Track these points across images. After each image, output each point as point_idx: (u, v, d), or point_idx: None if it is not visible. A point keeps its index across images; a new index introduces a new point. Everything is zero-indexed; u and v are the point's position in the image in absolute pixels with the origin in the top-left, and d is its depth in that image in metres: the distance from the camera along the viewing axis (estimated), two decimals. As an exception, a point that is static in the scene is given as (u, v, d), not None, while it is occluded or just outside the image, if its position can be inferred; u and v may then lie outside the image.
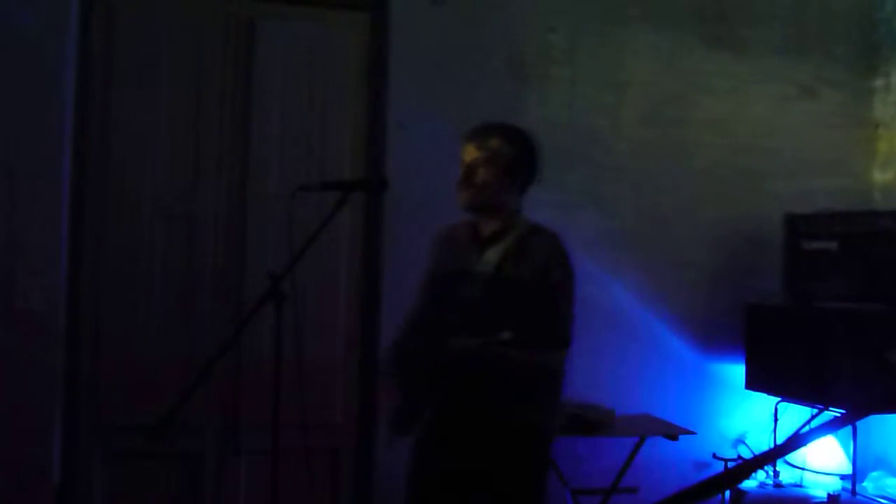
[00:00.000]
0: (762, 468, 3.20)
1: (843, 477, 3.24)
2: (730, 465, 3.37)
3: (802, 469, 3.31)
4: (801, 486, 3.28)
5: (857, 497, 3.13)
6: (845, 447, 3.25)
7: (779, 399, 3.35)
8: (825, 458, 3.28)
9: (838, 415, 1.08)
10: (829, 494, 3.07)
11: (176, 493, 3.10)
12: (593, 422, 3.07)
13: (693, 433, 3.17)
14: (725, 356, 3.51)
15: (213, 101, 3.16)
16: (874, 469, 3.38)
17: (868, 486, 3.26)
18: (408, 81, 3.22)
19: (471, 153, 2.30)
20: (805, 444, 1.15)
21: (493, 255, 2.27)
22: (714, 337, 3.51)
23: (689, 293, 3.49)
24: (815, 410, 3.15)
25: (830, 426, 1.35)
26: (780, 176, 3.61)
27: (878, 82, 3.75)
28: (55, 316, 2.92)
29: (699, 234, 3.52)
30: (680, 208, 3.52)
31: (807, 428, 1.13)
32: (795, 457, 3.34)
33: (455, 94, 3.20)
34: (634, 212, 3.47)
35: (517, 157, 2.32)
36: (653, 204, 3.49)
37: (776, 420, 3.37)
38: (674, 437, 3.14)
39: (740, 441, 3.55)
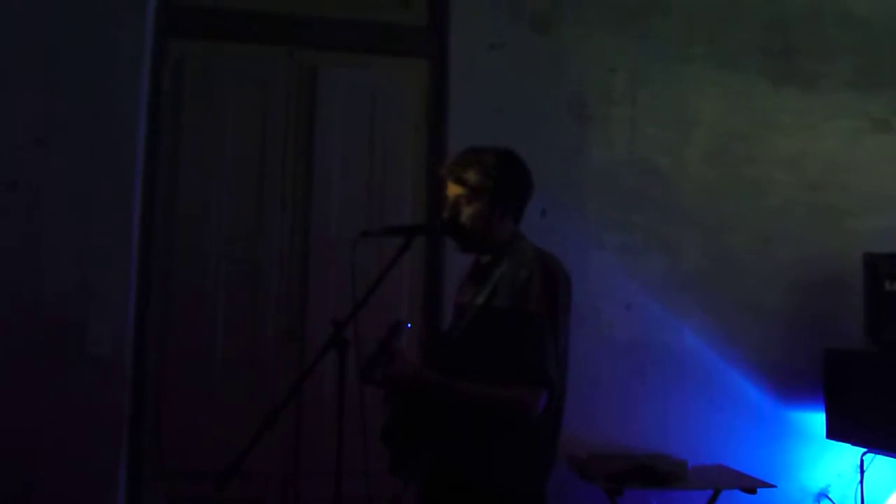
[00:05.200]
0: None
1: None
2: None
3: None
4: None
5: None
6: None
7: (864, 450, 3.16)
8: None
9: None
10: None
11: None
12: (663, 473, 2.95)
13: (772, 486, 3.02)
14: (805, 404, 3.35)
15: (276, 147, 3.23)
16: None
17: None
18: (469, 126, 3.22)
19: (451, 190, 2.14)
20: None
21: (485, 287, 2.10)
22: (792, 384, 3.36)
23: (763, 337, 3.36)
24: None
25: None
26: (856, 213, 3.49)
27: (957, 114, 3.61)
28: (122, 360, 2.96)
29: (772, 276, 3.40)
30: (751, 248, 3.42)
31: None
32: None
33: (517, 137, 3.13)
34: (702, 253, 3.38)
35: (499, 186, 2.11)
36: (721, 245, 3.40)
37: (862, 472, 3.17)
38: (752, 491, 2.99)
39: (823, 495, 3.35)
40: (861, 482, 3.16)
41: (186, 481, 3.00)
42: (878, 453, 3.13)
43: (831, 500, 3.32)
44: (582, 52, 3.37)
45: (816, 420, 3.28)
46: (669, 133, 3.41)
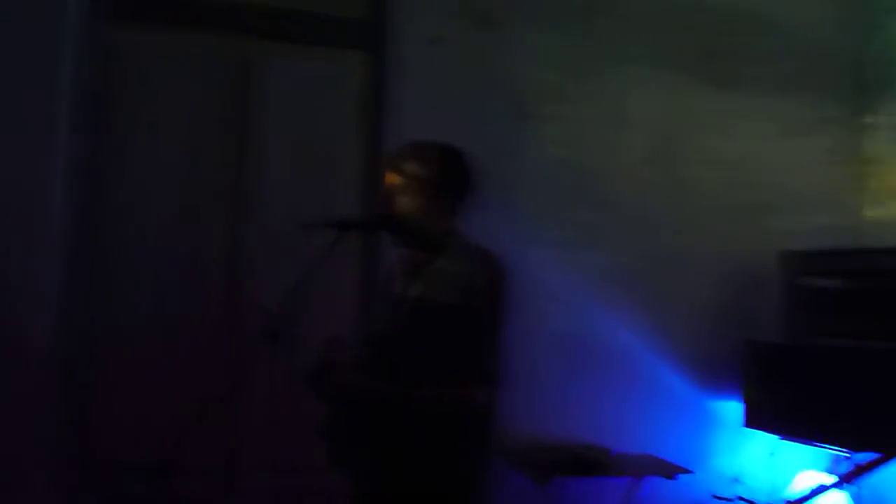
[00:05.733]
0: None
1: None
2: (727, 504, 3.35)
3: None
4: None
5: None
6: (849, 491, 3.21)
7: (778, 437, 3.33)
8: (827, 501, 3.25)
9: (865, 460, 1.06)
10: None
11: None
12: (590, 462, 3.05)
13: (690, 472, 3.14)
14: (725, 395, 3.50)
15: (211, 137, 3.16)
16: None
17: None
18: (406, 120, 3.21)
19: (389, 180, 2.14)
20: (828, 492, 1.12)
21: (420, 282, 2.11)
22: (714, 375, 3.50)
23: (689, 331, 3.49)
24: (828, 450, 3.12)
25: (857, 473, 1.30)
26: (777, 213, 3.64)
27: (868, 120, 3.81)
28: (53, 352, 2.86)
29: (699, 272, 3.52)
30: (680, 246, 3.53)
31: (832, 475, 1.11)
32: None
33: (454, 132, 3.16)
34: (635, 250, 3.47)
35: (438, 180, 2.12)
36: (653, 242, 3.50)
37: (773, 458, 3.34)
38: (671, 477, 3.12)
39: (738, 481, 3.52)
40: (772, 467, 3.34)
41: (120, 476, 2.91)
42: (790, 440, 3.30)
43: (745, 485, 3.49)
44: (522, 51, 3.39)
45: (734, 409, 3.43)
46: (605, 132, 3.48)
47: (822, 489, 1.37)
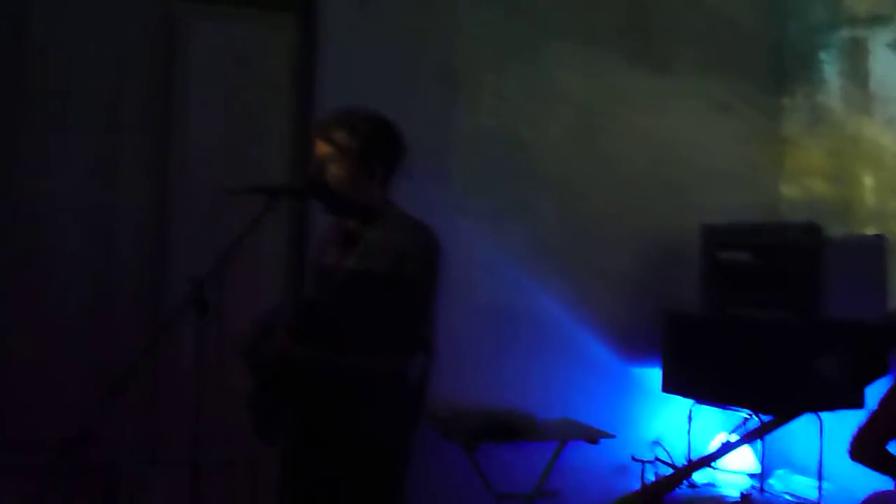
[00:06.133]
0: (692, 474, 3.31)
1: (752, 476, 3.41)
2: (646, 466, 3.49)
3: (715, 469, 3.45)
4: (714, 485, 3.42)
5: (766, 495, 3.30)
6: (754, 447, 3.41)
7: (693, 402, 3.49)
8: (736, 458, 3.44)
9: (765, 420, 1.14)
10: (741, 494, 3.22)
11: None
12: (515, 427, 3.12)
13: (612, 436, 3.25)
14: (645, 362, 3.63)
15: (133, 98, 3.05)
16: (780, 467, 3.56)
17: (775, 483, 3.44)
18: (336, 84, 3.17)
19: (320, 150, 2.13)
20: (735, 450, 1.20)
21: (353, 252, 2.13)
22: (635, 343, 3.62)
23: (612, 301, 3.59)
24: (740, 413, 3.29)
25: (758, 432, 1.39)
26: (698, 188, 3.75)
27: (786, 101, 3.96)
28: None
29: (623, 244, 3.62)
30: (604, 218, 3.61)
31: (735, 434, 1.19)
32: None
33: (384, 98, 3.14)
34: (560, 221, 3.54)
35: (368, 149, 2.11)
36: (578, 214, 3.57)
37: (690, 421, 3.51)
38: (593, 441, 3.21)
39: (657, 443, 3.67)
40: (688, 430, 3.50)
41: (33, 450, 2.83)
42: (704, 404, 3.47)
43: (664, 447, 3.65)
44: (454, 19, 3.39)
45: (655, 376, 3.56)
46: (533, 104, 3.52)
47: (728, 446, 1.46)
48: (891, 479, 2.38)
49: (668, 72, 3.75)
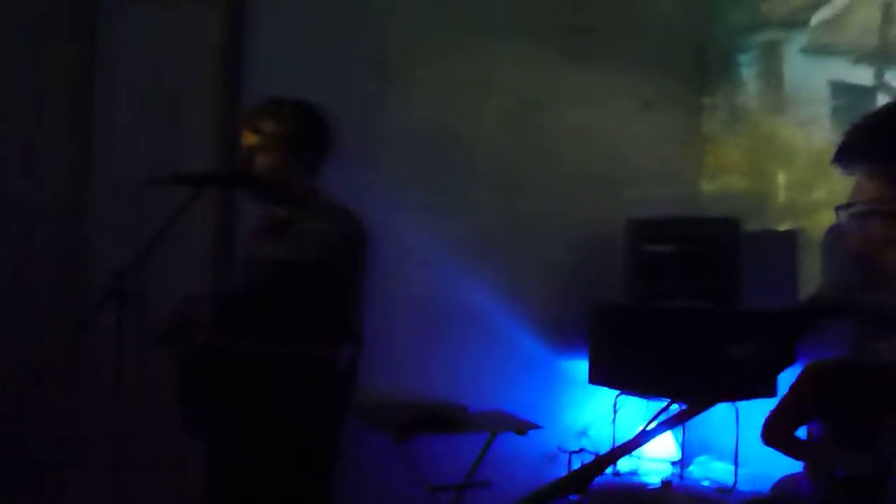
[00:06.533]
0: (616, 462, 3.39)
1: (673, 463, 3.52)
2: (573, 456, 3.57)
3: (638, 457, 3.56)
4: (636, 473, 3.53)
5: (686, 481, 3.42)
6: (675, 435, 3.53)
7: (618, 392, 3.58)
8: (657, 446, 3.55)
9: (682, 408, 1.18)
10: (662, 481, 3.33)
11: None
12: (447, 419, 3.14)
13: (540, 427, 3.31)
14: (573, 354, 3.70)
15: (54, 82, 2.93)
16: (700, 454, 3.69)
17: (694, 470, 3.56)
18: (265, 71, 3.12)
19: (247, 139, 2.13)
20: (654, 437, 1.24)
21: (282, 241, 2.12)
22: (563, 335, 3.69)
23: (543, 294, 3.64)
24: (664, 403, 3.38)
25: (676, 420, 1.44)
26: (626, 183, 3.84)
27: (707, 100, 4.10)
28: None
29: (555, 238, 3.67)
30: (537, 212, 3.66)
31: (654, 422, 1.23)
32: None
33: (316, 87, 3.10)
34: (494, 215, 3.57)
35: (296, 138, 2.12)
36: (512, 207, 3.60)
37: (616, 411, 3.60)
38: (522, 432, 3.26)
39: (583, 434, 3.76)
40: (614, 420, 3.60)
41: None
42: (629, 395, 3.56)
43: (590, 437, 3.74)
44: (388, 8, 3.36)
45: (582, 368, 3.64)
46: (467, 98, 3.53)
47: (647, 434, 1.50)
48: (800, 463, 2.51)
49: (599, 68, 3.82)
